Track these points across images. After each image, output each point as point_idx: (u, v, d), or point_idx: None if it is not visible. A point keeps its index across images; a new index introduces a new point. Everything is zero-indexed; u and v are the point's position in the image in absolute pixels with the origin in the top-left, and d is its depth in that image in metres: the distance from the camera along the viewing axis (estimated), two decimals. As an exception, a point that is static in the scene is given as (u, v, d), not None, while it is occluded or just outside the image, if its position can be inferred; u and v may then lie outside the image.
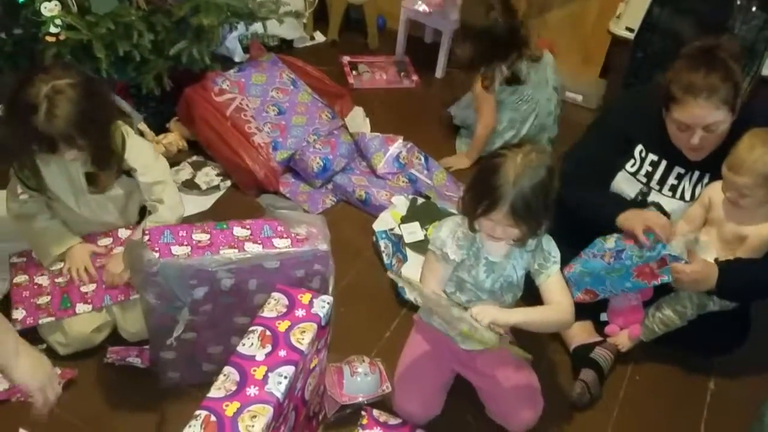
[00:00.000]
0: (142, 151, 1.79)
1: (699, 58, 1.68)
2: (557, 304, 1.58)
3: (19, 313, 1.72)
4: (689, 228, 1.82)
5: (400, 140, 2.54)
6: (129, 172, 1.79)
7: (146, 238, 1.51)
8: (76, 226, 1.84)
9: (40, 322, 1.71)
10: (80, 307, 1.73)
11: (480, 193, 1.46)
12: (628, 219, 1.76)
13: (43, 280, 1.80)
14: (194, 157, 2.46)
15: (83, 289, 1.77)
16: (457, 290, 1.62)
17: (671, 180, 1.85)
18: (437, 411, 1.69)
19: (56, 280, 1.79)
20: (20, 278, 1.80)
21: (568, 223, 1.68)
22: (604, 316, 1.93)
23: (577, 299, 1.82)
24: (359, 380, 1.72)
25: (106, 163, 1.71)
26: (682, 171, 1.84)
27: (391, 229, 2.24)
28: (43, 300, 1.74)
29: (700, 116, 1.67)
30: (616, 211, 1.79)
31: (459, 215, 1.57)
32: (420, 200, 2.35)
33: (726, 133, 1.71)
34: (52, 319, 1.72)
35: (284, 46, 3.11)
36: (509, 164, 1.43)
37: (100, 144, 1.66)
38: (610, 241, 1.78)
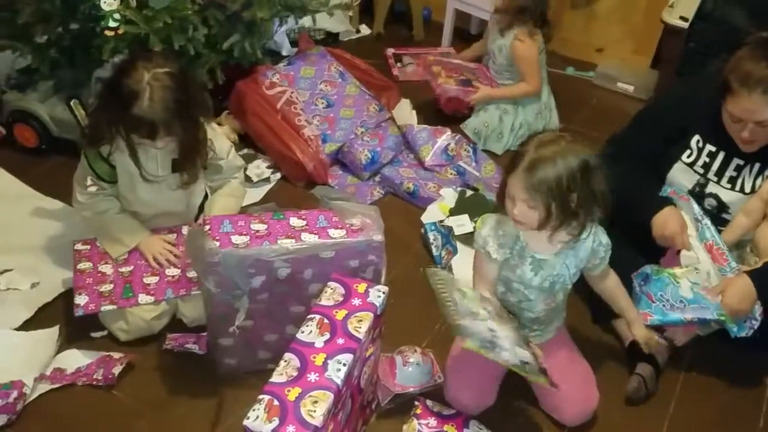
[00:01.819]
0: (223, 139, 1.88)
1: (762, 50, 1.63)
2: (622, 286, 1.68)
3: (81, 299, 1.75)
4: (748, 221, 1.78)
5: (449, 132, 2.54)
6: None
7: (207, 227, 1.55)
8: (140, 216, 1.88)
9: (102, 309, 1.74)
10: (142, 298, 1.77)
11: (510, 160, 1.48)
12: (661, 227, 1.75)
13: (106, 269, 1.83)
14: (245, 150, 2.50)
15: (146, 280, 1.80)
16: (507, 290, 1.60)
17: (730, 171, 1.81)
18: (491, 401, 1.68)
19: (120, 270, 1.83)
20: (84, 265, 1.84)
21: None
22: None
23: None
24: (411, 370, 1.72)
25: (195, 153, 1.75)
26: (741, 162, 1.80)
27: (441, 221, 2.24)
28: (106, 288, 1.78)
29: (753, 111, 1.63)
30: (653, 207, 1.77)
31: (501, 212, 1.55)
32: (468, 192, 2.34)
33: None
34: (114, 307, 1.75)
35: (330, 40, 3.14)
36: (537, 138, 1.44)
37: (191, 133, 1.70)
38: (686, 289, 1.70)
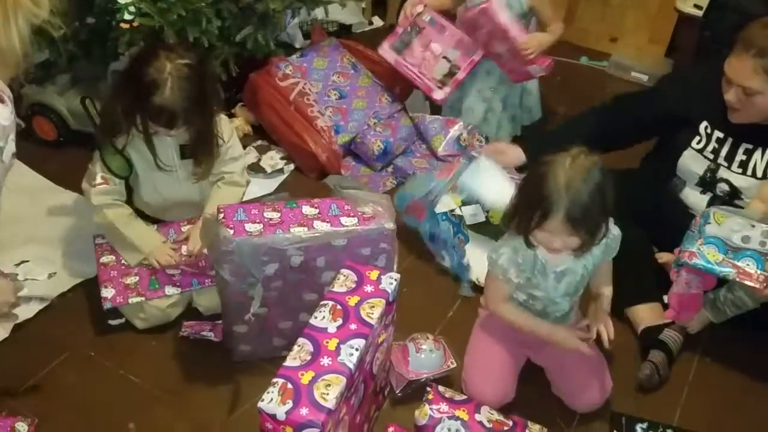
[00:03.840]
0: (227, 127, 1.88)
1: None
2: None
3: (108, 292, 1.77)
4: (764, 207, 1.77)
5: (461, 122, 2.54)
6: None
7: (221, 216, 1.57)
8: (155, 207, 1.92)
9: (130, 301, 1.76)
10: (169, 290, 1.79)
11: (531, 203, 1.42)
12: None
13: None
14: (259, 142, 2.52)
15: (170, 271, 1.82)
16: (530, 299, 1.60)
17: (739, 156, 1.81)
18: (512, 394, 1.69)
19: (143, 261, 1.85)
20: (107, 258, 1.86)
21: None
22: (667, 299, 1.90)
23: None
24: (423, 357, 1.73)
25: (210, 143, 1.77)
26: (750, 147, 1.79)
27: (452, 211, 2.25)
28: (132, 280, 1.80)
29: (738, 71, 1.65)
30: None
31: (514, 237, 1.52)
32: (480, 181, 2.35)
33: None
34: (142, 299, 1.77)
35: (343, 32, 3.14)
36: (558, 169, 1.38)
37: (208, 123, 1.73)
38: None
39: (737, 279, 1.62)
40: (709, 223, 1.65)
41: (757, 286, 1.61)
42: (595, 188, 1.38)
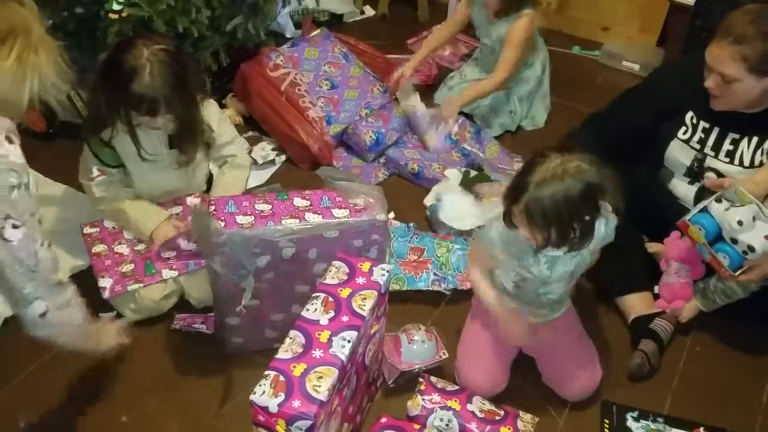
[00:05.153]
0: (213, 113, 1.86)
1: (754, 9, 1.65)
2: None
3: (106, 282, 1.76)
4: (755, 189, 1.77)
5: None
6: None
7: (212, 208, 1.56)
8: (145, 197, 1.90)
9: (128, 289, 1.75)
10: (166, 273, 1.78)
11: (513, 184, 1.45)
12: None
13: (123, 249, 1.84)
14: (250, 133, 2.51)
15: (165, 255, 1.80)
16: (523, 281, 1.58)
17: (726, 146, 1.81)
18: (504, 383, 1.70)
19: (136, 248, 1.84)
20: (99, 248, 1.85)
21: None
22: (657, 289, 1.92)
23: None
24: (416, 348, 1.74)
25: (194, 130, 1.76)
26: (737, 136, 1.79)
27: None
28: (128, 268, 1.79)
29: (717, 58, 1.65)
30: None
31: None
32: (473, 173, 2.35)
33: (754, 98, 1.67)
34: (141, 285, 1.76)
35: (334, 21, 3.13)
36: (543, 166, 1.38)
37: (190, 110, 1.72)
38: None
39: (709, 262, 1.70)
40: (720, 201, 1.65)
41: (721, 275, 1.70)
42: (562, 198, 1.35)
